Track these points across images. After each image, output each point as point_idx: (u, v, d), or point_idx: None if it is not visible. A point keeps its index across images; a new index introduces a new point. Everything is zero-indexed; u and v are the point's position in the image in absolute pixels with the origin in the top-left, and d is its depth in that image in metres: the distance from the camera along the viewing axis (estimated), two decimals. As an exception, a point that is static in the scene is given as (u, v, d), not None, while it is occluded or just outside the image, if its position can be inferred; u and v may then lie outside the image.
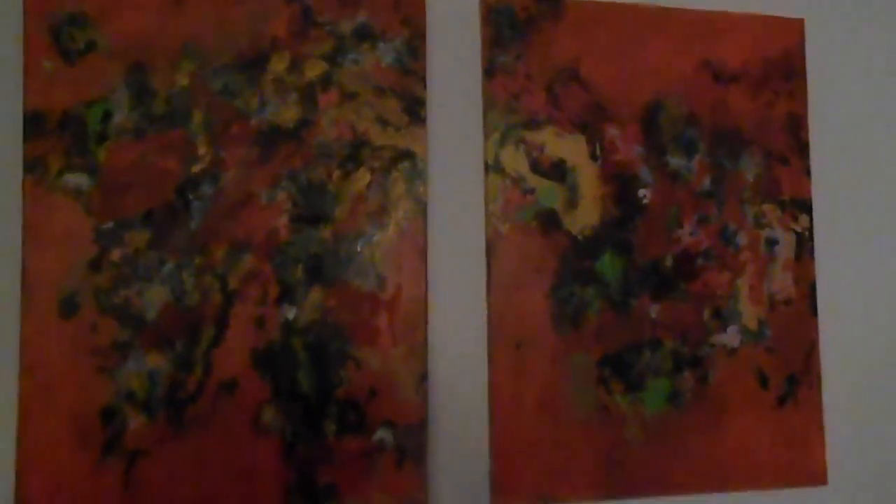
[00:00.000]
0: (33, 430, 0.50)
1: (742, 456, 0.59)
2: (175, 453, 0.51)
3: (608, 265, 0.58)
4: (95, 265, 0.52)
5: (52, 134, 0.52)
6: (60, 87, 0.53)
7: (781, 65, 0.63)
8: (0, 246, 0.52)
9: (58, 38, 0.53)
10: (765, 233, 0.62)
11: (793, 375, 0.61)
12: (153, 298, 0.52)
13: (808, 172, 0.63)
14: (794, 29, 0.63)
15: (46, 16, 0.53)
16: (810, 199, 0.63)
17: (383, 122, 0.56)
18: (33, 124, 0.52)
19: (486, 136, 0.57)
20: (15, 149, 0.53)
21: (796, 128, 0.63)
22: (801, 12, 0.65)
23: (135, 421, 0.51)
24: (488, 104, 0.58)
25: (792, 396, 0.61)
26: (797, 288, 0.62)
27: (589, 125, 0.59)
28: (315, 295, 0.54)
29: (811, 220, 0.62)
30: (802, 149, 0.63)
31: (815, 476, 0.61)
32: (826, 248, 0.64)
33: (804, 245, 0.62)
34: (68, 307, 0.51)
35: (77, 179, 0.52)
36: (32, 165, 0.52)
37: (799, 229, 0.62)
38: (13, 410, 0.51)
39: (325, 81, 0.55)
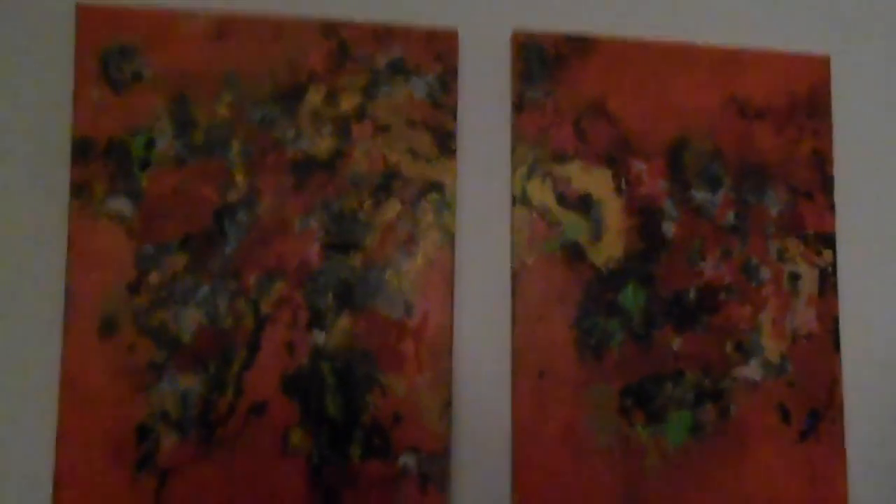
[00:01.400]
0: (71, 444, 0.52)
1: (763, 490, 0.60)
2: (205, 472, 0.53)
3: (631, 297, 0.59)
4: (135, 287, 0.54)
5: (98, 160, 0.55)
6: (107, 115, 0.55)
7: (807, 101, 0.64)
8: (47, 266, 0.55)
9: (106, 68, 0.55)
10: (788, 267, 0.62)
11: (815, 410, 0.61)
12: (188, 321, 0.54)
13: (832, 208, 0.63)
14: (820, 66, 0.64)
15: (96, 47, 0.55)
16: (834, 235, 0.63)
17: (414, 154, 0.57)
18: (81, 151, 0.55)
19: (514, 170, 0.59)
20: (63, 174, 0.55)
21: (821, 164, 0.64)
22: (827, 49, 0.66)
23: (168, 439, 0.53)
24: (517, 138, 0.59)
25: (814, 431, 0.61)
26: (820, 323, 0.62)
27: (615, 159, 0.60)
28: (344, 321, 0.55)
29: (835, 255, 0.63)
30: (827, 184, 0.63)
31: (837, 512, 0.61)
32: (849, 284, 0.64)
33: (827, 280, 0.63)
34: (108, 327, 0.53)
35: (120, 204, 0.55)
36: (79, 190, 0.54)
37: (822, 264, 0.63)
38: (53, 424, 0.53)
39: (360, 114, 0.57)
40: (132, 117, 0.55)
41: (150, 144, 0.55)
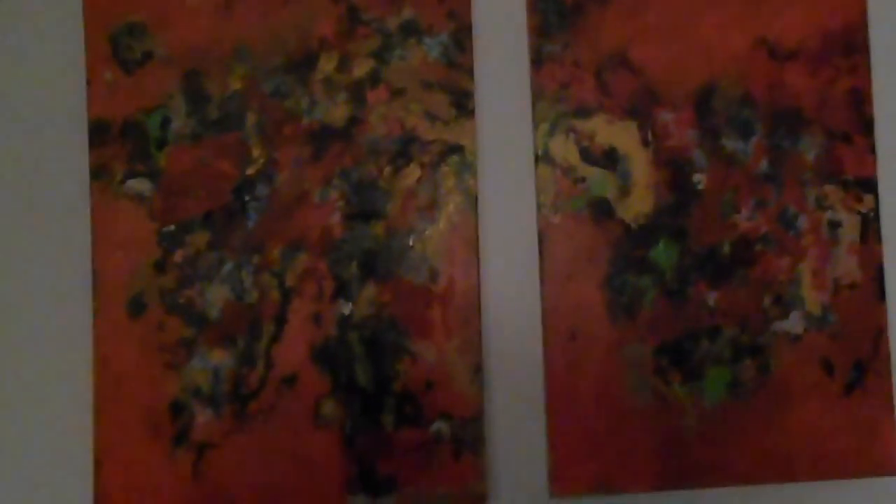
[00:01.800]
0: (108, 423, 0.53)
1: (807, 446, 0.58)
2: (240, 446, 0.53)
3: (663, 253, 0.57)
4: (160, 266, 0.54)
5: (115, 141, 0.55)
6: (121, 96, 0.55)
7: (842, 38, 0.60)
8: (72, 249, 0.55)
9: (116, 48, 0.55)
10: (827, 215, 0.59)
11: (860, 362, 0.59)
12: (215, 297, 0.54)
13: (872, 150, 0.60)
14: (855, 1, 0.60)
15: (105, 27, 0.55)
16: (875, 179, 0.60)
17: (431, 117, 0.56)
18: (97, 133, 0.55)
19: (535, 127, 0.57)
20: (82, 156, 0.55)
21: (860, 104, 0.60)
22: (862, -17, 0.62)
23: (202, 415, 0.53)
24: (537, 94, 0.57)
25: (860, 384, 0.59)
26: (863, 272, 0.59)
27: (640, 111, 0.58)
28: (369, 290, 0.55)
29: (877, 199, 0.60)
30: (866, 126, 0.60)
31: (887, 465, 0.59)
32: (893, 229, 0.62)
33: (870, 226, 0.60)
34: (136, 307, 0.54)
35: (139, 184, 0.54)
36: (98, 172, 0.54)
37: (864, 210, 0.60)
38: (89, 404, 0.54)
39: (373, 79, 0.56)
40: (146, 96, 0.55)
41: (165, 123, 0.55)
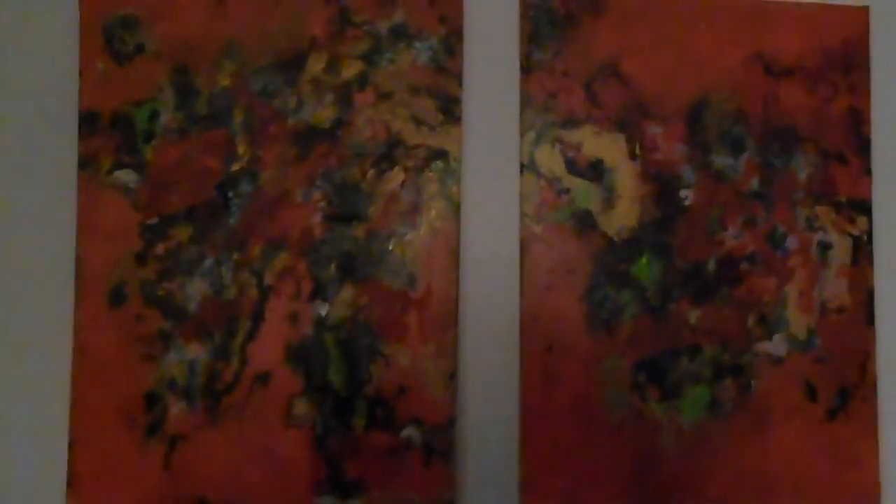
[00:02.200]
0: (84, 410, 0.53)
1: (786, 470, 0.57)
2: (211, 440, 0.53)
3: (646, 268, 0.57)
4: (141, 258, 0.54)
5: (104, 132, 0.55)
6: (112, 87, 0.55)
7: (841, 57, 0.59)
8: (58, 238, 0.56)
9: (110, 40, 0.56)
10: (818, 236, 0.58)
11: (845, 388, 0.58)
12: (194, 291, 0.54)
13: (868, 171, 0.59)
14: (858, 18, 0.59)
15: (99, 19, 0.55)
16: (870, 200, 0.59)
17: (417, 122, 0.56)
18: (87, 123, 0.55)
19: (522, 136, 0.57)
20: (71, 147, 0.56)
21: (857, 123, 0.59)
22: (865, 0, 0.61)
23: (175, 407, 0.54)
24: (524, 103, 0.57)
25: (843, 410, 0.58)
26: (852, 295, 0.58)
27: (629, 123, 0.57)
28: (347, 292, 0.55)
29: (870, 222, 0.59)
30: (863, 146, 0.59)
31: (867, 495, 0.57)
32: (886, 253, 0.60)
33: (862, 249, 0.59)
34: (117, 297, 0.54)
35: (126, 176, 0.55)
36: (86, 162, 0.55)
37: (856, 232, 0.59)
38: (67, 390, 0.54)
39: (361, 81, 0.56)
40: (136, 89, 0.55)
41: (153, 116, 0.55)
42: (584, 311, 0.56)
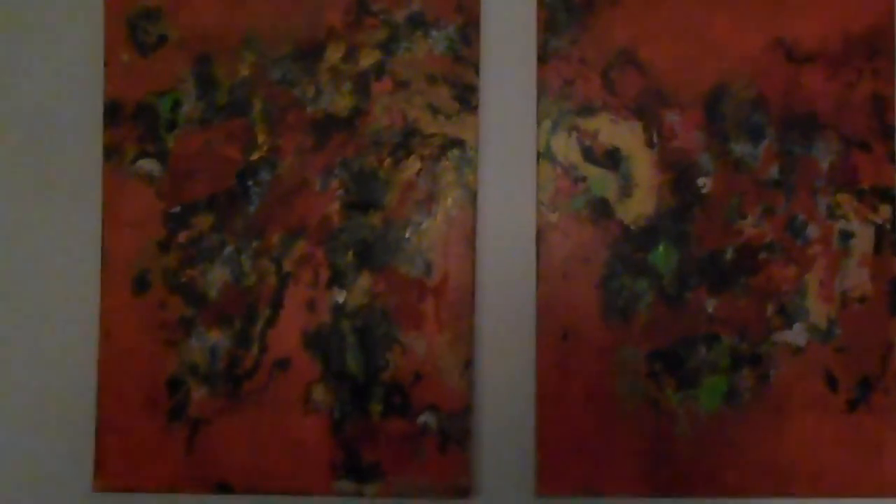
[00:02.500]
0: (109, 393, 0.55)
1: (805, 461, 0.56)
2: (232, 424, 0.54)
3: (662, 257, 0.56)
4: (164, 246, 0.56)
5: (128, 122, 0.56)
6: (135, 78, 0.57)
7: (866, 41, 0.58)
8: (84, 227, 0.57)
9: (133, 31, 0.57)
10: (839, 224, 0.57)
11: (866, 378, 0.57)
12: (215, 279, 0.55)
13: (892, 158, 0.58)
14: (882, 2, 0.58)
15: (123, 10, 0.57)
16: (893, 188, 0.58)
17: (434, 110, 0.56)
18: (111, 113, 0.56)
19: (538, 124, 0.57)
20: (96, 137, 0.57)
21: (881, 110, 0.58)
22: (892, -16, 0.60)
23: (197, 392, 0.55)
24: (541, 91, 0.57)
25: (864, 401, 0.57)
26: (874, 284, 0.57)
27: (646, 111, 0.57)
28: (364, 280, 0.55)
29: (893, 210, 0.58)
30: (887, 133, 0.58)
31: (889, 487, 0.57)
32: (911, 243, 0.59)
33: (885, 238, 0.58)
34: (141, 284, 0.55)
35: (149, 165, 0.56)
36: (110, 152, 0.56)
37: (879, 220, 0.58)
38: (93, 374, 0.56)
39: (379, 70, 0.56)
40: (159, 79, 0.56)
41: (175, 106, 0.56)
42: (601, 299, 0.56)
